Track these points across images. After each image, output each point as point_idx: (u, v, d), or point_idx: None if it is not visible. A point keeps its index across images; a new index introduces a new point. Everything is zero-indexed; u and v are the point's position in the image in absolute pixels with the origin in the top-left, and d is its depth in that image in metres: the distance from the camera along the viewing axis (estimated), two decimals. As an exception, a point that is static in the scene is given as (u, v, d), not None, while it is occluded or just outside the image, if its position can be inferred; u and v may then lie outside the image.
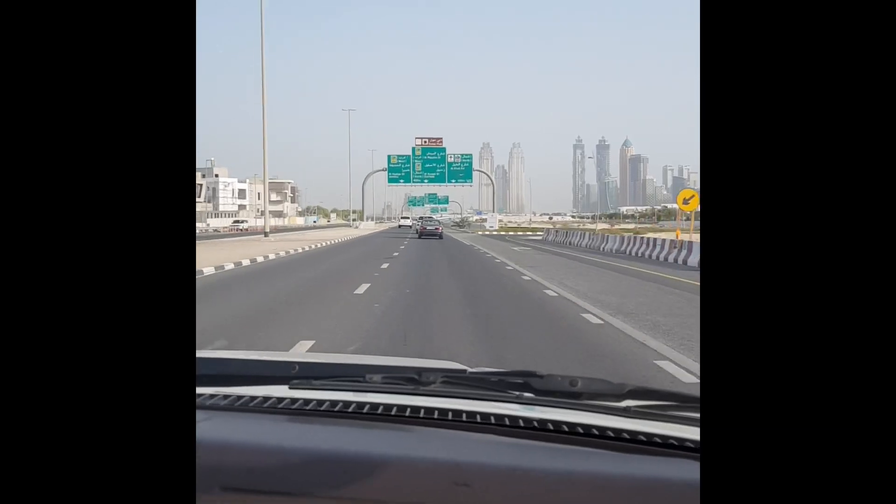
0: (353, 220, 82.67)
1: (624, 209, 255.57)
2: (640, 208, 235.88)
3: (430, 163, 67.76)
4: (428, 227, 40.64)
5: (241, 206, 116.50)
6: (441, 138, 68.35)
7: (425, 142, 68.03)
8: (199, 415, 0.91)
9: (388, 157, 68.60)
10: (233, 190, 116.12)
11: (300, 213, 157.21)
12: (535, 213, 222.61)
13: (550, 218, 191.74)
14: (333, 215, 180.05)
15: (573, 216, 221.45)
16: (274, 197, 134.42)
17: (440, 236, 39.10)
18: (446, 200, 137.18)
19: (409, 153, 68.10)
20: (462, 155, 68.86)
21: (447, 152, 68.13)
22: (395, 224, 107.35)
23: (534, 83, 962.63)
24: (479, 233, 58.28)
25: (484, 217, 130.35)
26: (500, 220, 72.71)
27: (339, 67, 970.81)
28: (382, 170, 69.49)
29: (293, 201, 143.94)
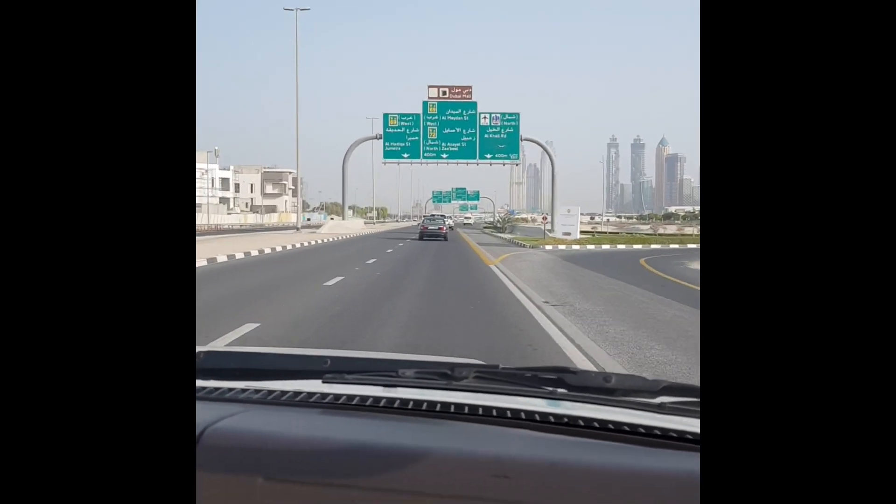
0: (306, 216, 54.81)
1: (673, 209, 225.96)
2: (695, 208, 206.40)
3: (452, 126, 40.71)
4: (430, 227, 33.00)
5: (223, 199, 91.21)
6: (470, 87, 41.25)
7: (444, 93, 40.99)
8: (236, 407, 0.92)
9: (385, 116, 41.69)
10: (212, 179, 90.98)
11: (312, 210, 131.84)
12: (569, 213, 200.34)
13: (592, 218, 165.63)
14: (350, 212, 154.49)
15: (620, 217, 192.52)
16: (269, 189, 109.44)
17: (444, 237, 32.23)
18: (477, 196, 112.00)
19: (420, 111, 41.16)
20: (503, 115, 41.65)
21: (478, 110, 41.06)
22: (411, 223, 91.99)
23: (567, 80, 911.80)
24: (547, 246, 28.08)
25: (522, 216, 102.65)
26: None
27: (367, 66, 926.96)
28: (376, 137, 42.57)
29: (297, 195, 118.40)
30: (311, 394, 1.00)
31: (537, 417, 0.91)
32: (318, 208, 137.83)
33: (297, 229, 43.78)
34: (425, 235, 32.47)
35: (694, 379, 0.75)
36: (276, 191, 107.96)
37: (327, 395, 1.00)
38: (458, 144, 40.81)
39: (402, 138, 41.10)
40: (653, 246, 31.28)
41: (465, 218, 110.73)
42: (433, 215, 43.57)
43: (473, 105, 40.80)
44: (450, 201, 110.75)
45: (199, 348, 1.12)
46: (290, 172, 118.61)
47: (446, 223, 36.13)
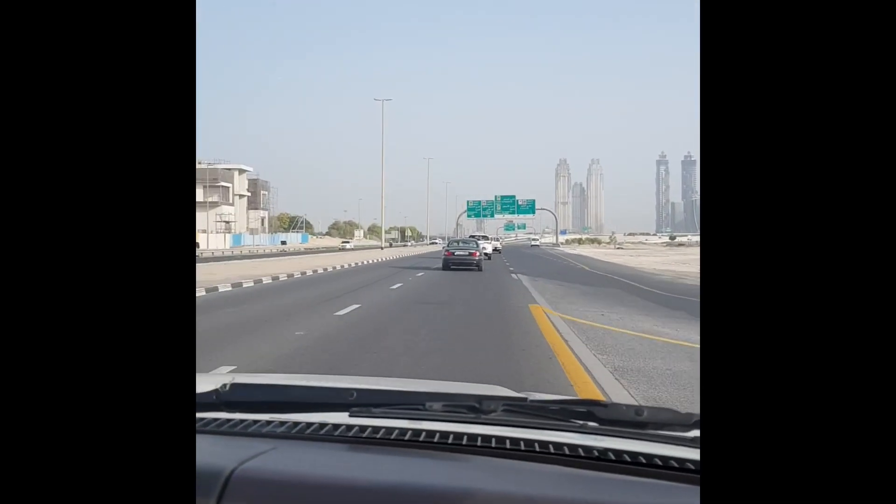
0: None
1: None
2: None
3: None
4: (457, 253, 21.36)
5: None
6: None
7: None
8: (266, 443, 0.91)
9: None
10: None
11: (282, 226, 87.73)
12: (615, 233, 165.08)
13: (673, 238, 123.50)
14: (359, 234, 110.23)
15: (677, 237, 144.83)
16: (198, 196, 65.88)
17: (477, 266, 20.65)
18: (531, 207, 69.27)
19: None
20: None
21: None
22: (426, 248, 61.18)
23: (614, 95, 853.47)
24: None
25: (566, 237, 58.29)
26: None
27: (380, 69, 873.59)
28: None
29: (256, 206, 74.23)
30: (337, 426, 0.96)
31: (567, 451, 0.87)
32: (296, 226, 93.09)
33: None
34: (452, 264, 20.83)
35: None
36: (211, 198, 64.28)
37: (357, 427, 0.96)
38: None
39: None
40: None
41: (531, 240, 67.88)
42: (473, 236, 34.32)
43: None
44: (492, 215, 73.10)
45: (225, 380, 1.11)
46: (243, 171, 74.61)
47: (481, 247, 22.62)
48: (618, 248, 77.60)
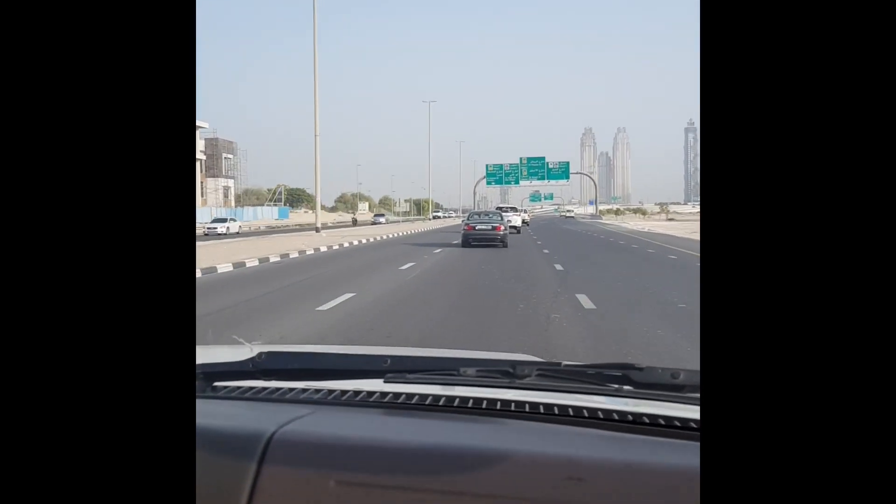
0: None
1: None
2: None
3: None
4: (479, 228, 19.57)
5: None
6: None
7: None
8: (304, 408, 0.90)
9: None
10: None
11: (273, 198, 72.06)
12: (641, 203, 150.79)
13: None
14: (364, 206, 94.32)
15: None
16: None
17: (502, 242, 18.91)
18: (565, 172, 64.10)
19: None
20: None
21: None
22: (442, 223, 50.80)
23: (641, 62, 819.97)
24: None
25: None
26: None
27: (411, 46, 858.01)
28: None
29: (215, 173, 58.29)
30: (371, 393, 0.96)
31: (600, 415, 0.86)
32: (274, 198, 77.07)
33: None
34: (473, 240, 19.19)
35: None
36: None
37: (388, 393, 0.96)
38: None
39: None
40: None
41: (563, 210, 58.92)
42: (500, 207, 33.61)
43: None
44: (517, 182, 60.07)
45: (259, 348, 1.13)
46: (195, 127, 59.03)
47: (506, 220, 20.83)
48: (669, 220, 60.74)
